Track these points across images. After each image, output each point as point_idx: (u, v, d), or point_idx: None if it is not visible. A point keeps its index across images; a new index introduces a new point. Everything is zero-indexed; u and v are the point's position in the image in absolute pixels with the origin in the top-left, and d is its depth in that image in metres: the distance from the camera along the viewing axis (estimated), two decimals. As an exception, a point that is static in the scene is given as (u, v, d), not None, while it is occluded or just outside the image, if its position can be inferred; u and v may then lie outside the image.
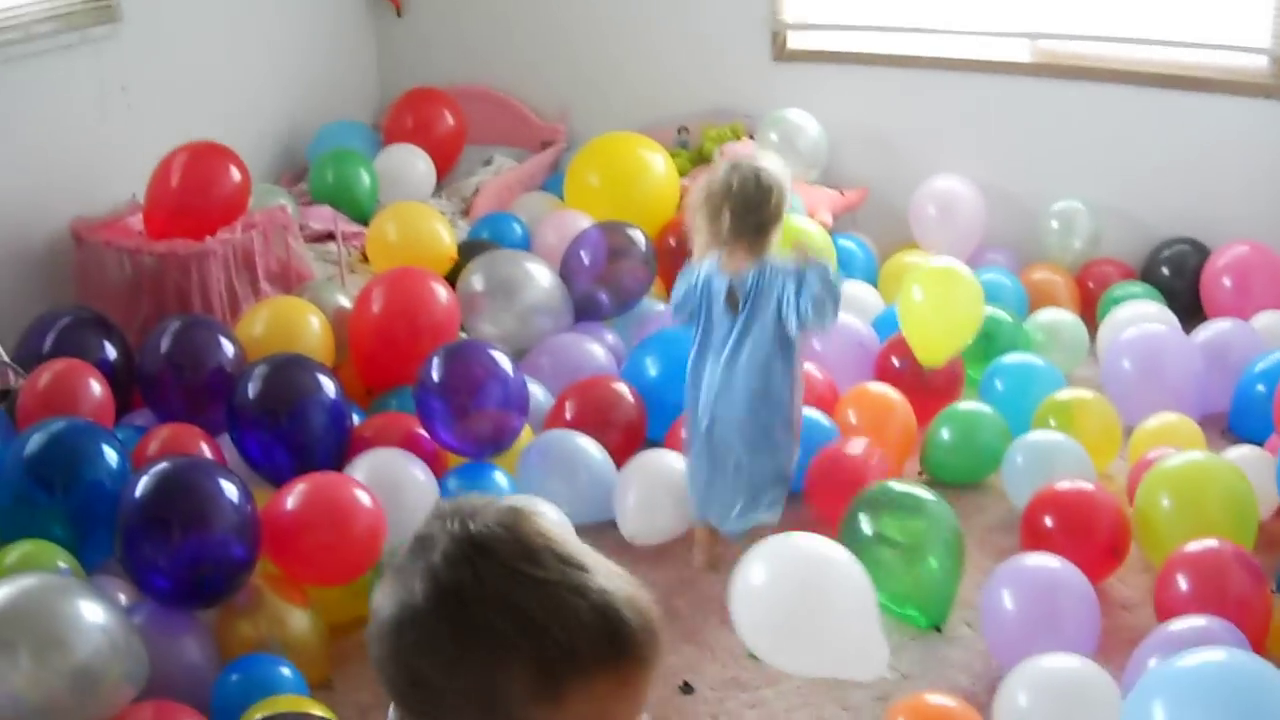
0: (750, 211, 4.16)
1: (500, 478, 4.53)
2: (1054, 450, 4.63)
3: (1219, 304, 5.83)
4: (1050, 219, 6.39)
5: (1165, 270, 6.27)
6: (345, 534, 3.94)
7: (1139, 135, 6.35)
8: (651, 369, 5.18)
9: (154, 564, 3.68)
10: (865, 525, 4.11)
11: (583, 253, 5.69)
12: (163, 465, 3.80)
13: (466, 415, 4.50)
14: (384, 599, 1.58)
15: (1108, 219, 6.37)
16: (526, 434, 4.77)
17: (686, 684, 3.92)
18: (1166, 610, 3.82)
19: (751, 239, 4.19)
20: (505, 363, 4.63)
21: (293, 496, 3.98)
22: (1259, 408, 4.82)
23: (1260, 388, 4.90)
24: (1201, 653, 2.99)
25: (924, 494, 4.20)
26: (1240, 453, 4.52)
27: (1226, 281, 5.88)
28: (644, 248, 5.70)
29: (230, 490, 3.78)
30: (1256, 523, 4.20)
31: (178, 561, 3.67)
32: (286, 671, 3.69)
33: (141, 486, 3.72)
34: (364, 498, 4.00)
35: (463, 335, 5.27)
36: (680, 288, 4.40)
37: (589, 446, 4.67)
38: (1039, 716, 3.38)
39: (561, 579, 1.53)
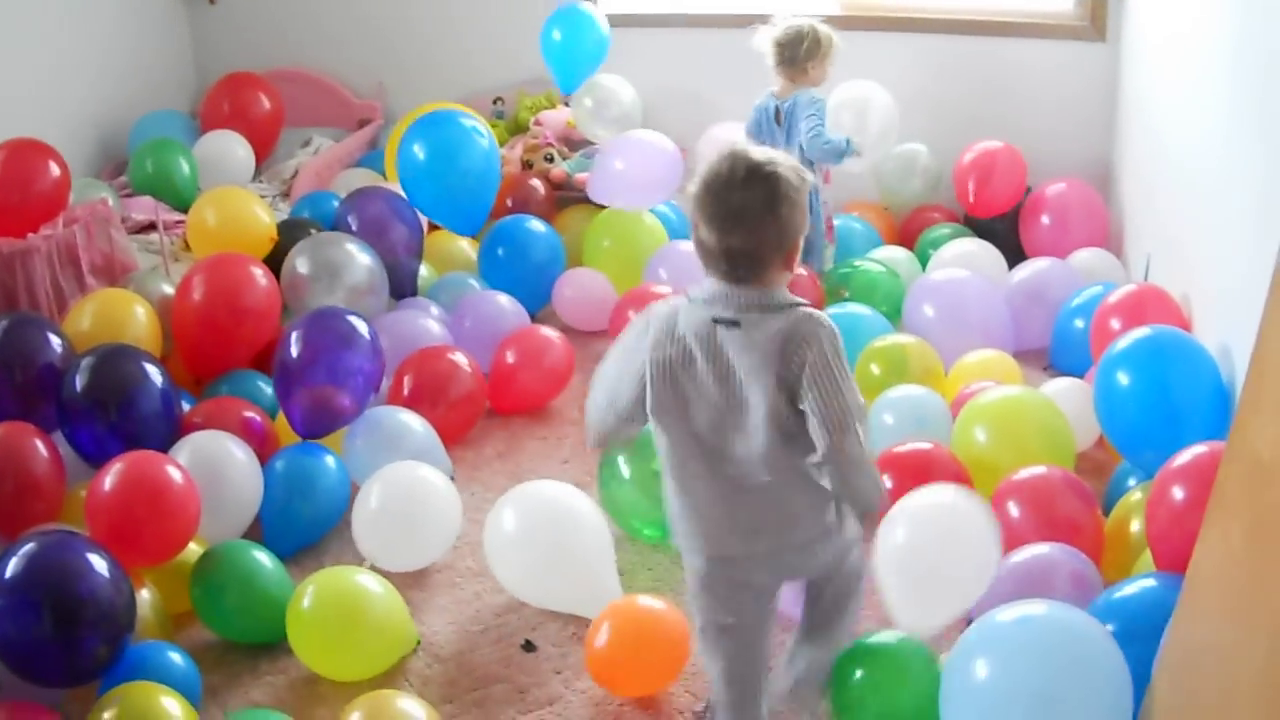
0: (787, 47, 5.79)
1: (329, 459, 4.60)
2: (919, 404, 4.69)
3: (1039, 243, 6.04)
4: (889, 161, 6.59)
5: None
6: (159, 510, 3.95)
7: (954, 82, 6.55)
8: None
9: (24, 650, 3.52)
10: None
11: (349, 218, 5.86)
12: (30, 545, 3.60)
13: (317, 390, 4.59)
14: None
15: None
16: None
17: (529, 642, 4.03)
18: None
19: (788, 68, 5.82)
20: (364, 329, 4.75)
21: (110, 476, 3.98)
22: (1077, 342, 5.01)
23: (1078, 323, 5.08)
24: (1021, 605, 3.10)
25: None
26: (1061, 385, 4.68)
27: (1045, 220, 6.07)
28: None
29: (101, 568, 3.62)
30: (1073, 452, 4.35)
31: (50, 649, 3.53)
32: (178, 658, 3.74)
33: (11, 569, 3.53)
34: (175, 474, 4.03)
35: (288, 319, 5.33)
36: (750, 118, 6.05)
37: (412, 422, 4.75)
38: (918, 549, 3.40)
39: None
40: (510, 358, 5.38)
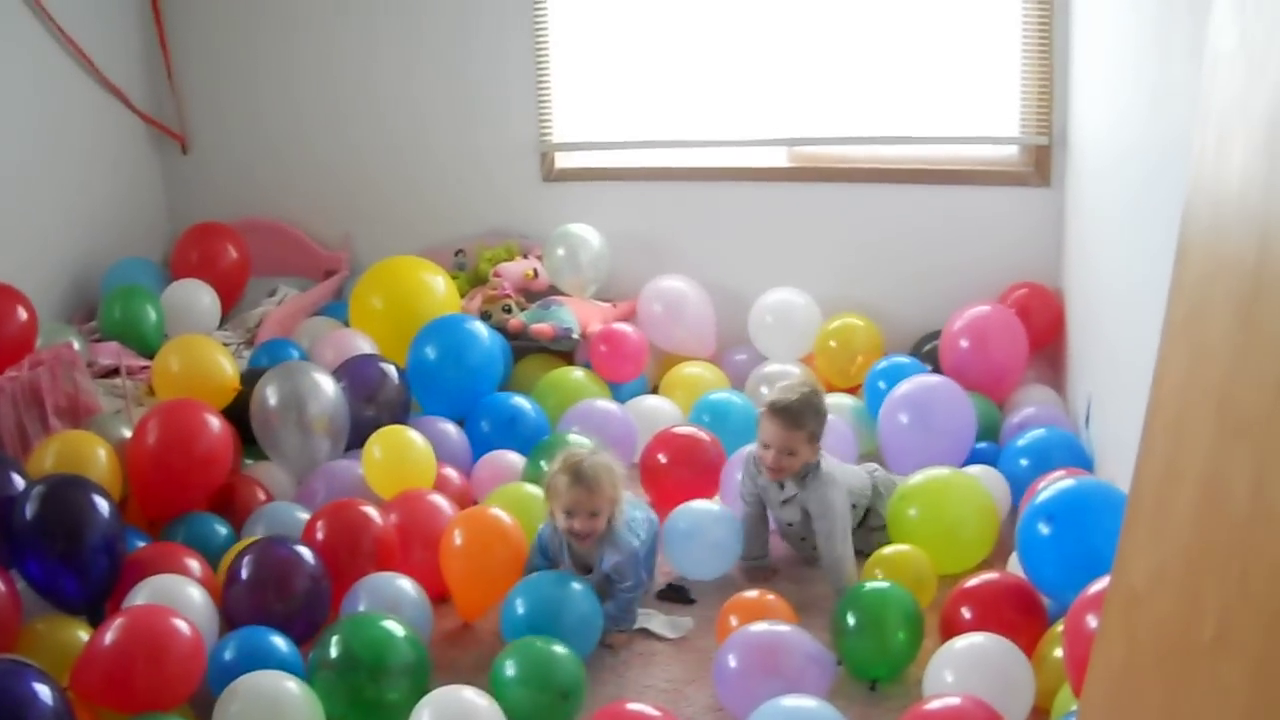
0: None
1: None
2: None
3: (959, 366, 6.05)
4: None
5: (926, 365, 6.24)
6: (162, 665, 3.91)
7: (904, 230, 6.75)
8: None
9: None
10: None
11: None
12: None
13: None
14: None
15: (882, 315, 6.68)
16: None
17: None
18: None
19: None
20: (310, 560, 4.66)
21: (111, 632, 3.92)
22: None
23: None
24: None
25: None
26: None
27: (964, 344, 6.08)
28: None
29: (46, 696, 3.63)
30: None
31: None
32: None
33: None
34: (183, 628, 3.99)
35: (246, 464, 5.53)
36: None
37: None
38: None
39: None
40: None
